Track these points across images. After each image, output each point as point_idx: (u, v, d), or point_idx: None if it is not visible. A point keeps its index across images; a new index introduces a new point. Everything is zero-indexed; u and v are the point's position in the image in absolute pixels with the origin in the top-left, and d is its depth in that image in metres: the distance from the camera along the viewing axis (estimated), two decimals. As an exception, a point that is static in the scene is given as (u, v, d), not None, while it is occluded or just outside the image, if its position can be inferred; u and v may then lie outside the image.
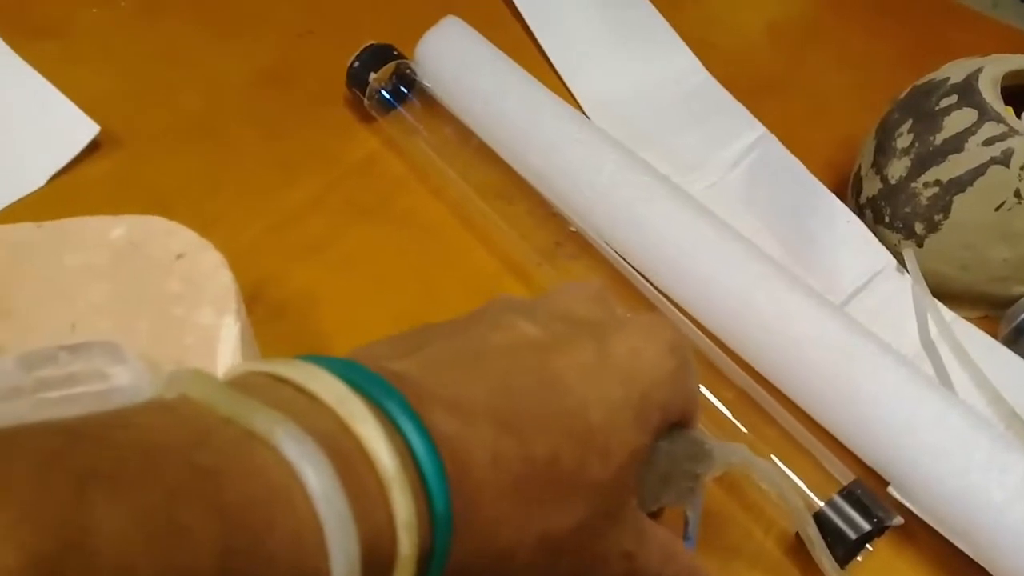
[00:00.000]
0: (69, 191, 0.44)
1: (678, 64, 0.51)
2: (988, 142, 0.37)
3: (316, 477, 0.18)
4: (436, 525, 0.20)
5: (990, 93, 0.38)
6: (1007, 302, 0.40)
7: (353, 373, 0.20)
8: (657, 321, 0.27)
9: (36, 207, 0.43)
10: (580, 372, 0.24)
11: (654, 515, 0.33)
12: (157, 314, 0.34)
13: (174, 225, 0.37)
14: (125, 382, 0.32)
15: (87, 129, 0.45)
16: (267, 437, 0.18)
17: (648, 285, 0.40)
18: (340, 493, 0.18)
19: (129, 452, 0.17)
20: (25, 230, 0.36)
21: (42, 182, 0.44)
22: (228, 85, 0.50)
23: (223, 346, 0.34)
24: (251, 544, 0.17)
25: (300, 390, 0.20)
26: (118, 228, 0.37)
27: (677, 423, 0.29)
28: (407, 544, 0.19)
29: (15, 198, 0.44)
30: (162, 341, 0.33)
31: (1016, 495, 0.31)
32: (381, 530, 0.19)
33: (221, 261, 0.36)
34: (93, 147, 0.46)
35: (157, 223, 0.37)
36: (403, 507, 0.19)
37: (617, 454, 0.24)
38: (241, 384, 0.20)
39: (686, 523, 0.31)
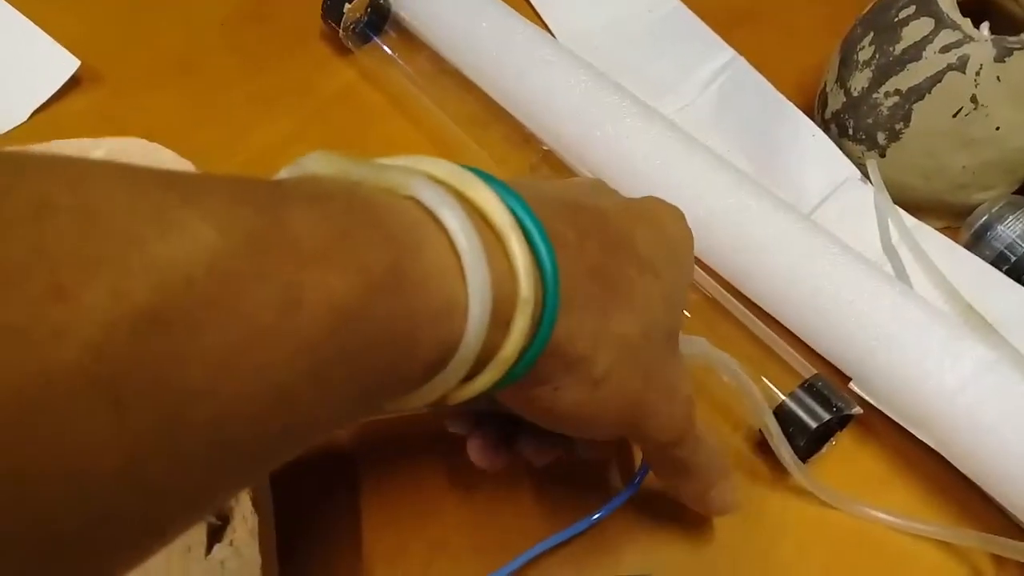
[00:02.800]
0: (52, 126, 0.45)
1: (650, -7, 0.52)
2: (945, 49, 0.38)
3: (451, 214, 0.20)
4: (545, 277, 0.22)
5: (947, 2, 0.39)
6: (969, 210, 0.41)
7: (455, 165, 0.23)
8: (663, 200, 0.30)
9: (20, 141, 0.44)
10: (619, 214, 0.27)
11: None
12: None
13: (154, 146, 0.38)
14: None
15: (67, 64, 0.46)
16: (402, 188, 0.21)
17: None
18: (472, 230, 0.20)
19: (299, 183, 0.19)
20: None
21: (24, 117, 0.45)
22: (206, 22, 0.51)
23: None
24: (410, 259, 0.19)
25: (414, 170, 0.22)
26: (99, 150, 0.38)
27: None
28: (526, 287, 0.21)
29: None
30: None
31: (968, 381, 0.33)
32: (503, 275, 0.21)
33: (200, 178, 0.37)
34: (74, 83, 0.47)
35: (137, 144, 0.38)
36: (521, 254, 0.21)
37: (665, 278, 0.27)
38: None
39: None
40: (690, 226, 0.30)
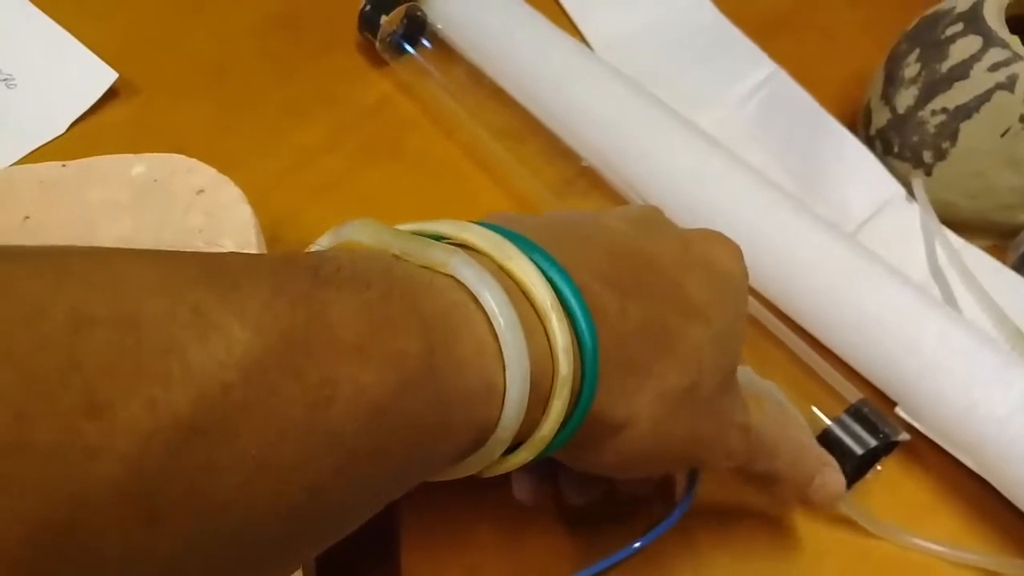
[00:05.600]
0: (90, 137, 0.45)
1: (688, 2, 0.51)
2: (993, 68, 0.37)
3: (491, 296, 0.20)
4: (584, 353, 0.22)
5: (995, 20, 0.38)
6: (1016, 230, 0.41)
7: (498, 228, 0.23)
8: (723, 235, 0.29)
9: (59, 153, 0.44)
10: (671, 256, 0.26)
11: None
12: (180, 247, 0.35)
13: (193, 162, 0.38)
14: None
15: (106, 76, 0.46)
16: (442, 266, 0.20)
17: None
18: (512, 313, 0.20)
19: (341, 262, 0.19)
20: (51, 168, 0.38)
21: (64, 128, 0.45)
22: (240, 31, 0.51)
23: (244, 276, 0.35)
24: (445, 345, 0.19)
25: (456, 240, 0.22)
26: (139, 166, 0.38)
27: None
28: (565, 365, 0.21)
29: (39, 144, 0.45)
30: (185, 272, 0.34)
31: (1017, 408, 0.32)
32: (543, 354, 0.21)
33: (240, 195, 0.37)
34: (111, 94, 0.47)
35: (177, 160, 0.38)
36: (560, 333, 0.21)
37: (715, 323, 0.26)
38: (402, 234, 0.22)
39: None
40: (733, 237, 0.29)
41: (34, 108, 0.46)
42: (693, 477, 0.32)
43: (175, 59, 0.49)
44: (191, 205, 0.36)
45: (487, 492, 0.34)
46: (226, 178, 0.37)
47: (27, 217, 0.36)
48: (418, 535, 0.33)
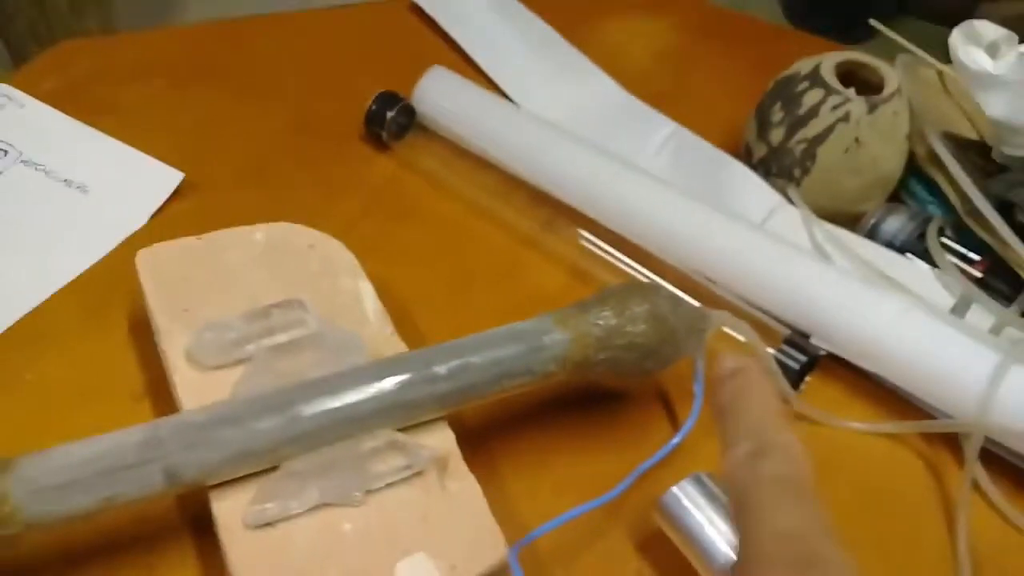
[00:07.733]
0: (167, 227, 0.56)
1: (600, 86, 0.69)
2: (834, 108, 0.56)
3: None
4: None
5: (830, 77, 0.57)
6: (857, 218, 0.59)
7: None
8: None
9: (142, 244, 0.55)
10: None
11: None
12: (312, 286, 0.47)
13: (299, 227, 0.50)
14: (314, 327, 0.45)
15: (173, 176, 0.58)
16: None
17: (624, 235, 0.56)
18: None
19: None
20: (188, 242, 0.49)
21: (144, 220, 0.56)
22: (265, 137, 0.63)
23: (367, 300, 0.47)
24: None
25: None
26: (259, 232, 0.50)
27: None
28: None
29: (124, 235, 0.55)
30: (323, 303, 0.46)
31: (890, 321, 0.49)
32: None
33: (340, 245, 0.50)
34: (175, 193, 0.58)
35: (286, 227, 0.50)
36: None
37: None
38: None
39: (695, 369, 0.47)
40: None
41: (111, 209, 0.57)
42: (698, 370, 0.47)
43: (221, 162, 0.61)
44: (308, 256, 0.49)
45: (556, 427, 0.48)
46: (327, 235, 0.50)
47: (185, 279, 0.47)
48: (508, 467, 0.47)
